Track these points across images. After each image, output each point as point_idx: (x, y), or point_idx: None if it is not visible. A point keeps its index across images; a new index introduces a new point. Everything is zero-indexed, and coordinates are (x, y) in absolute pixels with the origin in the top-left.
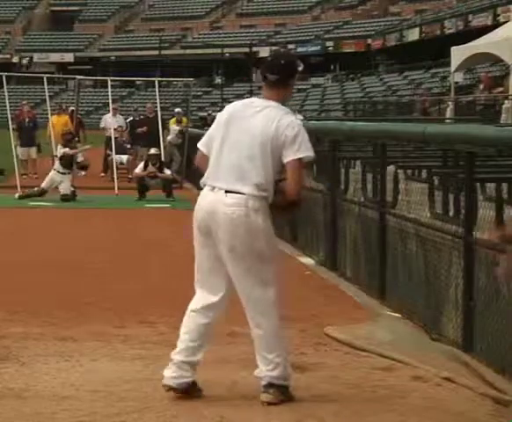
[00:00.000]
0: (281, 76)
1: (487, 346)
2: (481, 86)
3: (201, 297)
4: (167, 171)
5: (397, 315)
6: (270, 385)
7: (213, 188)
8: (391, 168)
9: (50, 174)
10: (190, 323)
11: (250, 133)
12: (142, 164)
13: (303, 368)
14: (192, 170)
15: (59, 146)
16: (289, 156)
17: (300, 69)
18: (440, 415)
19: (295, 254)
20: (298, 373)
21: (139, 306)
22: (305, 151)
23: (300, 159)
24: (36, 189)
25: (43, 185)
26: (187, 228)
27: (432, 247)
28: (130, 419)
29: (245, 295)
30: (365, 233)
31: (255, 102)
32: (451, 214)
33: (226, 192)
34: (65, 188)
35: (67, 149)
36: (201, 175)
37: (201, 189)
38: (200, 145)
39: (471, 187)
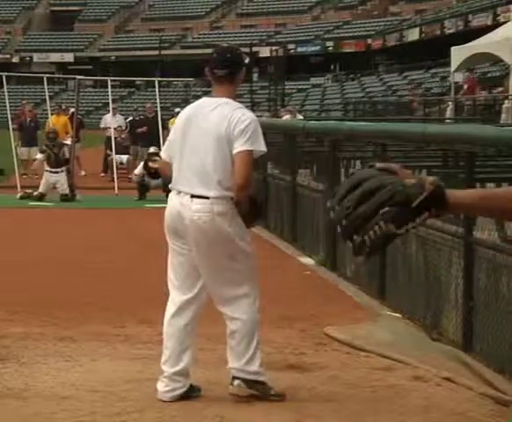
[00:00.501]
0: (228, 70)
1: (487, 346)
2: (465, 87)
3: (176, 297)
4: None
5: (397, 315)
6: (241, 380)
7: (179, 192)
8: None
9: (44, 176)
10: (169, 329)
11: (206, 133)
12: (141, 164)
13: (303, 368)
14: None
15: (39, 155)
16: (237, 148)
17: (247, 61)
18: (440, 415)
19: (295, 254)
20: (298, 373)
21: (139, 306)
22: (254, 144)
23: (248, 151)
24: (35, 194)
25: (40, 189)
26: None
27: (432, 247)
28: (130, 419)
29: (217, 295)
30: None
31: (206, 101)
32: None
33: (192, 196)
34: (63, 188)
35: (40, 156)
36: None
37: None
38: (162, 152)
39: (471, 187)
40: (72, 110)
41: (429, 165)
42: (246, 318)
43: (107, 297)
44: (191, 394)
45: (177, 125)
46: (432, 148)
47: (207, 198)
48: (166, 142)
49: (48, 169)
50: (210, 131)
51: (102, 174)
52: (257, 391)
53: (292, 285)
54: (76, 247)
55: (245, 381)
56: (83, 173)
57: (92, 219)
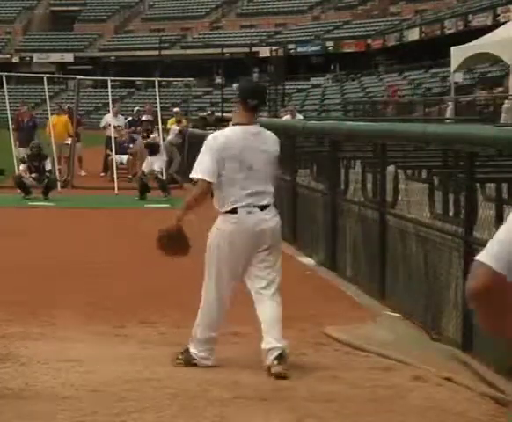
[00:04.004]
0: (259, 102)
1: (487, 346)
2: (390, 91)
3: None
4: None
5: (397, 315)
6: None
7: (249, 211)
8: (391, 168)
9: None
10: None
11: (262, 155)
12: (144, 165)
13: (303, 368)
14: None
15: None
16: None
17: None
18: (440, 415)
19: (295, 254)
20: (298, 373)
21: (139, 306)
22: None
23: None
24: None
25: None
26: (187, 228)
27: (432, 247)
28: (130, 419)
29: (273, 280)
30: (365, 233)
31: (247, 129)
32: (451, 214)
33: (262, 208)
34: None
35: (22, 166)
36: None
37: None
38: (207, 176)
39: (471, 187)
40: (68, 105)
41: (429, 165)
42: (280, 300)
43: (107, 297)
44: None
45: (223, 148)
46: (432, 148)
47: (269, 206)
48: (209, 165)
49: (26, 176)
50: (265, 153)
51: (102, 174)
52: (288, 366)
53: (292, 285)
54: (76, 247)
55: (285, 357)
56: (82, 173)
57: (92, 219)
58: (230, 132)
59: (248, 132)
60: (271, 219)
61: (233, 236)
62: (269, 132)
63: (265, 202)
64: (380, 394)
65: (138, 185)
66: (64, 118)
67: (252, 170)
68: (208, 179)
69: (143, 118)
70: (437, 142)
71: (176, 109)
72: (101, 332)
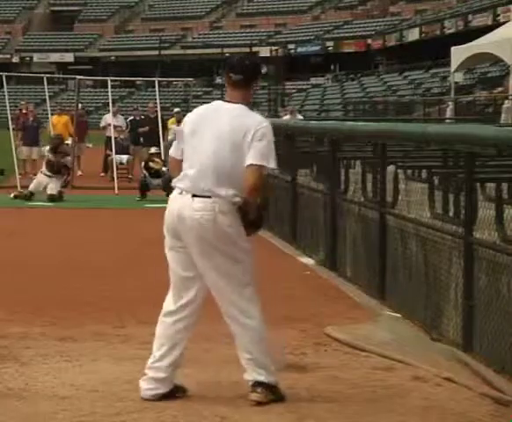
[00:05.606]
0: (244, 76)
1: (487, 346)
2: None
3: (172, 298)
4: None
5: (397, 315)
6: (264, 386)
7: (181, 192)
8: (391, 168)
9: (37, 176)
10: (161, 329)
11: (220, 136)
12: (142, 164)
13: (303, 368)
14: None
15: (47, 147)
16: (250, 160)
17: (264, 71)
18: (440, 415)
19: (295, 254)
20: (298, 373)
21: (139, 306)
22: (268, 158)
23: (262, 166)
24: (24, 193)
25: (30, 188)
26: None
27: (432, 247)
28: (130, 419)
29: (223, 300)
30: (365, 233)
31: (220, 104)
32: (451, 214)
33: (193, 196)
34: (52, 188)
35: (50, 156)
36: None
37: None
38: (172, 151)
39: (471, 187)
40: (80, 106)
41: (429, 165)
42: (257, 321)
43: (107, 297)
44: (175, 395)
45: (187, 124)
46: (432, 148)
47: (209, 197)
48: (175, 141)
49: (44, 171)
50: (222, 135)
51: (102, 174)
52: (276, 396)
53: (292, 285)
54: (76, 247)
55: (267, 386)
56: (79, 173)
57: (92, 219)
58: (200, 108)
59: (217, 110)
60: (202, 211)
61: (165, 219)
62: (254, 118)
63: (204, 193)
64: (380, 394)
65: (139, 186)
66: (65, 118)
67: (204, 153)
68: (173, 155)
69: (152, 150)
70: (437, 142)
71: (177, 109)
72: (101, 332)
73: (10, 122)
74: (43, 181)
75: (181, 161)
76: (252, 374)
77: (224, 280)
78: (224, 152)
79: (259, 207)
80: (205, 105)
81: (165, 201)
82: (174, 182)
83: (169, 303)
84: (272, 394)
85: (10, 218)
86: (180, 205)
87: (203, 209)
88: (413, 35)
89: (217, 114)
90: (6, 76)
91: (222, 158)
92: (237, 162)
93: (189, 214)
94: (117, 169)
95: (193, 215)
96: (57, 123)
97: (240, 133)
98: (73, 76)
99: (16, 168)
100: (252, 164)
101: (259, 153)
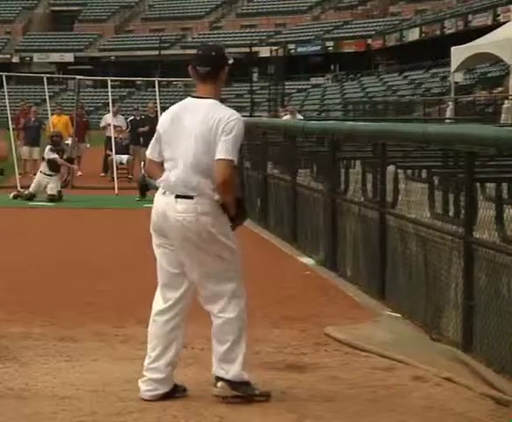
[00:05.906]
0: (211, 68)
1: (487, 346)
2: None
3: (162, 296)
4: None
5: (397, 315)
6: (225, 381)
7: (164, 192)
8: (391, 168)
9: (37, 177)
10: (153, 328)
11: (191, 134)
12: (142, 164)
13: (303, 368)
14: None
15: (47, 147)
16: (219, 155)
17: (230, 62)
18: (440, 415)
19: (295, 254)
20: (298, 373)
21: (139, 306)
22: (234, 151)
23: (231, 160)
24: (25, 193)
25: (31, 189)
26: None
27: (432, 247)
28: (131, 419)
29: (205, 294)
30: (365, 233)
31: (192, 101)
32: (451, 214)
33: (176, 197)
34: (52, 188)
35: (56, 157)
36: None
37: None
38: (149, 152)
39: (471, 187)
40: (80, 105)
41: (429, 165)
42: (234, 317)
43: (107, 297)
44: (174, 394)
45: (161, 125)
46: (432, 148)
47: (191, 198)
48: (152, 142)
49: (44, 171)
50: (196, 132)
51: (102, 174)
52: (241, 392)
53: (292, 285)
54: (76, 247)
55: (229, 382)
56: (79, 173)
57: (92, 219)
58: (172, 108)
59: (189, 107)
60: (185, 213)
61: (151, 217)
62: (224, 112)
63: (187, 193)
64: (380, 394)
65: (138, 186)
66: (65, 118)
67: (183, 153)
68: (149, 157)
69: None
70: (437, 142)
71: None
72: (101, 332)
73: (10, 122)
74: (43, 181)
75: (158, 162)
76: (216, 369)
77: (207, 276)
78: (200, 149)
79: (237, 202)
80: (177, 104)
81: None
82: (158, 182)
83: (158, 302)
84: (234, 390)
85: (10, 218)
86: (164, 205)
87: (186, 211)
88: (413, 35)
89: (190, 112)
90: (6, 76)
91: (199, 155)
92: (214, 157)
93: (173, 215)
94: (117, 169)
95: (177, 217)
96: (57, 123)
97: (212, 128)
98: (73, 76)
99: (16, 168)
100: (220, 159)
101: (227, 147)
